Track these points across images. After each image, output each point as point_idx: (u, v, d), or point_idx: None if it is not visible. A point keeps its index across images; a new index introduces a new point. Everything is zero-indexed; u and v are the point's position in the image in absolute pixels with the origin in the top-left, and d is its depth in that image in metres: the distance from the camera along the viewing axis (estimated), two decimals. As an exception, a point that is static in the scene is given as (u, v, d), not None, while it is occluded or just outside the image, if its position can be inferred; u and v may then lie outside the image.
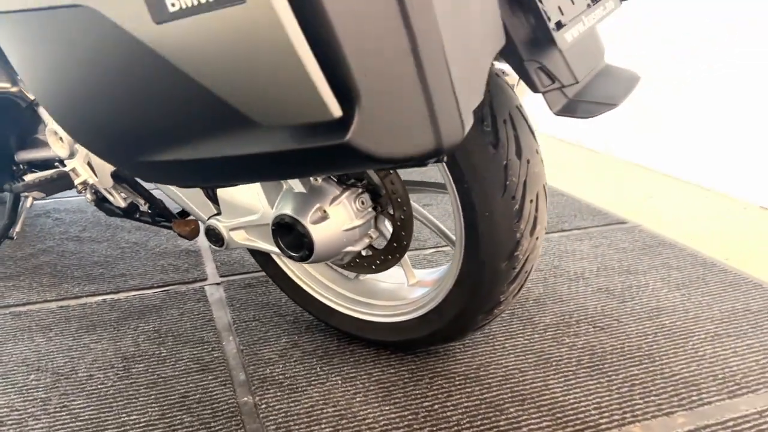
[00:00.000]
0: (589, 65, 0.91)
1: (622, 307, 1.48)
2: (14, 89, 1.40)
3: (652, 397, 1.16)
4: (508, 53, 0.83)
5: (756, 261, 1.74)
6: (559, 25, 0.83)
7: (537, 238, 1.06)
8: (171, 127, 0.66)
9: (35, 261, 1.72)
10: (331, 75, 0.55)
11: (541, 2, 0.81)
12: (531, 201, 1.02)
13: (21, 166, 1.53)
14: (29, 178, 1.48)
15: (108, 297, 1.53)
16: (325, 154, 0.59)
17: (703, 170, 2.36)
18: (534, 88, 0.84)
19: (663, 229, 1.96)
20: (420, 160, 0.62)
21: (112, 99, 0.68)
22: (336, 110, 0.56)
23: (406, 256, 1.23)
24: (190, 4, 0.54)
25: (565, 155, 2.81)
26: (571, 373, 1.23)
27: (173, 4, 0.55)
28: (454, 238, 1.16)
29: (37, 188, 1.44)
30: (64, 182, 1.44)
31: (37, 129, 1.48)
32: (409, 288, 1.27)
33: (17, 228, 1.60)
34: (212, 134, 0.64)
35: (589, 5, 0.93)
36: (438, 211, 2.07)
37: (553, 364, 1.26)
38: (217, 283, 1.60)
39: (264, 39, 0.53)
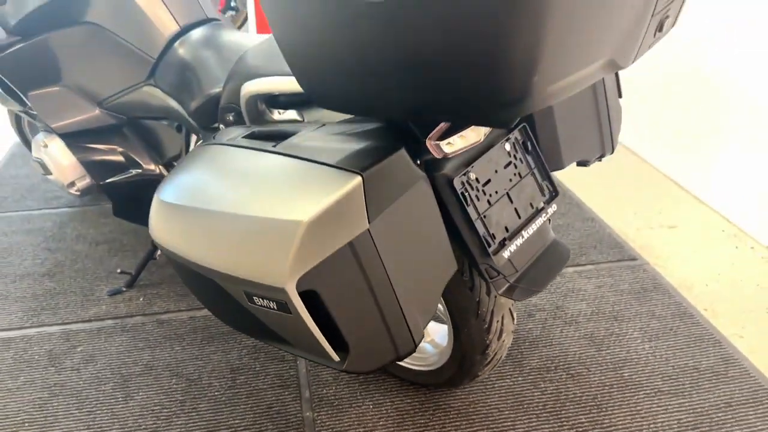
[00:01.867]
0: (531, 254, 1.34)
1: (596, 355, 1.93)
2: (158, 170, 1.96)
3: (586, 444, 1.65)
4: (467, 257, 1.28)
5: (729, 314, 2.10)
6: (503, 243, 1.27)
7: (503, 341, 1.53)
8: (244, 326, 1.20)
9: (171, 269, 2.36)
10: (334, 340, 1.06)
11: (485, 226, 1.25)
12: (497, 321, 1.49)
13: (161, 214, 2.12)
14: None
15: (221, 310, 2.14)
16: (333, 368, 1.11)
17: (726, 200, 2.65)
18: (484, 279, 1.30)
19: (667, 269, 2.33)
20: (387, 366, 1.12)
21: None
22: (336, 357, 1.07)
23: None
24: (263, 304, 1.05)
25: (615, 164, 3.12)
26: (535, 416, 1.73)
27: (257, 302, 1.06)
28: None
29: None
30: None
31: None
32: (425, 344, 1.79)
33: (159, 252, 2.21)
34: (274, 343, 1.17)
35: (537, 210, 1.35)
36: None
37: (525, 406, 1.76)
38: (298, 303, 2.17)
39: (297, 325, 1.04)
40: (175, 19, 1.71)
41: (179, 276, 1.30)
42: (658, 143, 3.08)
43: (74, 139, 1.92)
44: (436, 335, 1.80)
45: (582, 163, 1.55)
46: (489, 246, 1.25)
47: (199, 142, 1.82)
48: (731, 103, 2.61)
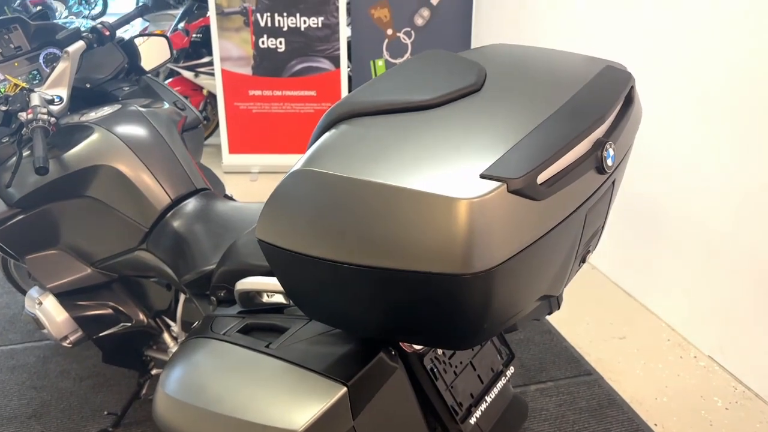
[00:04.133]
0: (494, 415, 1.52)
1: (559, 478, 2.09)
2: (147, 322, 2.11)
3: None
4: (439, 423, 1.45)
5: (677, 428, 2.30)
6: (469, 410, 1.45)
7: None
8: None
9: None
10: None
11: (453, 396, 1.42)
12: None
13: (148, 358, 2.25)
14: (154, 371, 2.20)
15: (206, 447, 2.25)
16: None
17: (670, 309, 2.89)
18: (456, 439, 1.47)
19: (620, 383, 2.53)
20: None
21: None
22: None
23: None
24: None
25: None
26: None
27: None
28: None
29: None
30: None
31: (161, 337, 2.19)
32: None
33: (144, 390, 2.33)
34: None
35: (497, 374, 1.53)
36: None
37: None
38: None
39: None
40: (166, 192, 1.90)
41: None
42: (608, 254, 3.34)
43: (67, 296, 2.06)
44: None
45: (534, 319, 1.75)
46: (457, 414, 1.42)
47: (186, 299, 1.97)
48: (676, 221, 2.89)
